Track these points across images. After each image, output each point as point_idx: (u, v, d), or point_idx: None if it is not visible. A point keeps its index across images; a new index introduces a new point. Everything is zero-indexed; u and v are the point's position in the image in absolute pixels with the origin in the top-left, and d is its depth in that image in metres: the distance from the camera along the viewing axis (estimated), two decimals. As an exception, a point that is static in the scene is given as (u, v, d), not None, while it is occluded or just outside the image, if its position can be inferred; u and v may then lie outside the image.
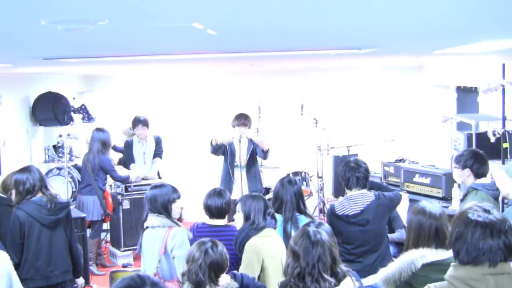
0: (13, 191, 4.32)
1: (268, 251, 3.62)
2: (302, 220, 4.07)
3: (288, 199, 4.10)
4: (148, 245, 3.84)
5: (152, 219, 3.81)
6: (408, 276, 2.91)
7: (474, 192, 4.10)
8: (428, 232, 3.07)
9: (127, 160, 7.25)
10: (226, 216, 4.18)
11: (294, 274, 2.62)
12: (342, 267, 2.71)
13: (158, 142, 7.36)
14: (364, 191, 4.24)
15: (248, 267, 3.57)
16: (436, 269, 2.92)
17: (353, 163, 4.27)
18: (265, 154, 6.22)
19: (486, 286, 2.23)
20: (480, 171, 4.23)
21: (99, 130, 6.71)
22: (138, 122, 7.16)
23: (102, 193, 6.61)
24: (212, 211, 4.07)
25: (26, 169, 4.32)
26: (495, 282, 2.23)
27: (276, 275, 3.61)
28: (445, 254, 2.97)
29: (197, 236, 3.88)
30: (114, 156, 7.61)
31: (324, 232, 2.77)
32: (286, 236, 3.97)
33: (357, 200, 4.19)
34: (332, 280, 2.60)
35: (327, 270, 2.62)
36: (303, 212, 4.17)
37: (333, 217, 4.19)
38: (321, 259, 2.61)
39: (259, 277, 3.59)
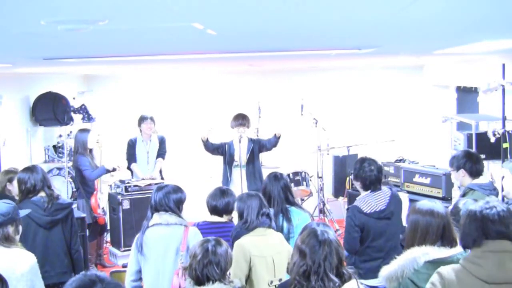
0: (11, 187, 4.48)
1: (257, 250, 3.63)
2: (294, 211, 4.20)
3: (276, 193, 4.21)
4: (157, 243, 3.78)
5: (166, 217, 3.77)
6: (410, 273, 2.94)
7: (471, 193, 4.11)
8: (436, 230, 3.08)
9: (129, 159, 7.24)
10: (226, 214, 4.19)
11: (300, 272, 2.63)
12: (348, 269, 2.73)
13: (162, 142, 7.34)
14: (382, 187, 4.35)
15: (237, 266, 3.60)
16: (438, 266, 2.94)
17: (372, 165, 4.28)
18: (277, 140, 6.32)
19: (486, 262, 2.48)
20: (473, 169, 4.24)
21: (79, 130, 6.74)
22: (146, 117, 7.11)
23: (90, 195, 6.62)
24: (209, 209, 4.16)
25: (29, 169, 4.38)
26: (498, 258, 2.48)
27: (266, 273, 3.63)
28: (448, 252, 2.99)
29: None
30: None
31: (332, 232, 2.79)
32: (278, 229, 4.05)
33: (379, 196, 4.27)
34: (336, 280, 2.62)
35: (332, 269, 2.63)
36: (293, 203, 4.28)
37: (363, 216, 4.21)
38: (327, 259, 2.63)
39: (248, 275, 3.61)
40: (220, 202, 4.12)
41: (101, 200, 6.74)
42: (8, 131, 6.72)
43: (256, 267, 3.61)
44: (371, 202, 4.24)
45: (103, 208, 6.77)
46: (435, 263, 2.94)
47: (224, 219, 4.16)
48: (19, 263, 3.25)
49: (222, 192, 4.18)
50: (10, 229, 3.37)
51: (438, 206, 3.18)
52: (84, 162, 6.52)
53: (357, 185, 4.38)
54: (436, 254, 2.98)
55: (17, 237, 3.45)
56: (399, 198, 4.48)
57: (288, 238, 4.04)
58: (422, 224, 3.11)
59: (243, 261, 3.60)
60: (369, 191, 4.27)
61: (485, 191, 4.05)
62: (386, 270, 3.01)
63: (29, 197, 4.26)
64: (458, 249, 3.03)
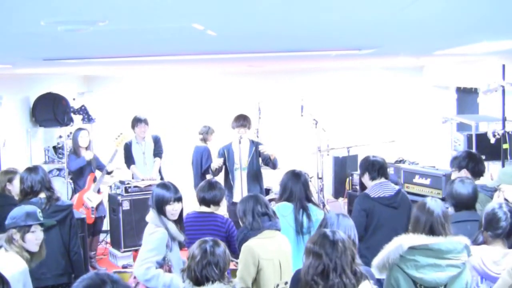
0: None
1: (265, 253, 3.64)
2: (312, 208, 4.34)
3: (297, 189, 4.33)
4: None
5: (147, 215, 3.95)
6: (396, 258, 3.04)
7: (473, 194, 4.09)
8: (423, 225, 3.16)
9: (127, 162, 7.25)
10: (214, 205, 4.37)
11: (318, 272, 2.64)
12: (360, 267, 2.75)
13: (156, 141, 7.35)
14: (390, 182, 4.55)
15: (244, 269, 3.62)
16: (424, 253, 3.02)
17: (373, 157, 4.56)
18: (272, 163, 6.22)
19: None
20: (476, 169, 4.25)
21: (75, 130, 6.90)
22: (140, 120, 7.15)
23: (77, 192, 6.71)
24: (198, 200, 4.37)
25: (30, 169, 4.40)
26: None
27: (273, 276, 3.64)
28: (434, 239, 3.05)
29: (186, 222, 4.16)
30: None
31: (341, 232, 2.82)
32: (298, 224, 4.22)
33: (387, 185, 4.48)
34: (352, 277, 2.65)
35: (348, 266, 2.66)
36: (310, 200, 4.42)
37: (368, 200, 4.40)
38: (342, 256, 2.65)
39: (255, 278, 3.61)
40: (207, 194, 4.32)
41: (92, 200, 6.71)
42: (8, 132, 6.72)
43: (264, 270, 3.62)
44: (378, 189, 4.44)
45: (93, 208, 6.72)
46: (421, 250, 3.03)
47: (211, 209, 4.35)
48: (5, 268, 3.22)
49: (210, 184, 4.38)
50: (14, 233, 3.39)
51: (434, 204, 3.24)
52: (72, 158, 6.74)
53: (366, 179, 4.53)
54: (421, 240, 3.06)
55: (26, 245, 3.41)
56: (408, 197, 4.63)
57: (309, 233, 4.21)
58: (414, 216, 3.25)
59: (252, 264, 3.60)
60: (377, 180, 4.46)
61: (487, 192, 4.04)
62: (376, 260, 3.11)
63: (28, 198, 4.26)
64: (447, 239, 3.08)
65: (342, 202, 7.98)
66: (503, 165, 5.16)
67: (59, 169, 7.49)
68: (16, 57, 4.42)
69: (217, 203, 4.36)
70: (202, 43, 3.46)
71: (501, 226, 3.29)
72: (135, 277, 3.83)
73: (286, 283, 3.60)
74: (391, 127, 8.76)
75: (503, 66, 5.14)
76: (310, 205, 4.37)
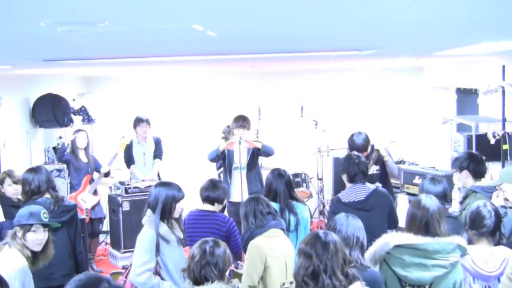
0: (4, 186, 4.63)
1: (272, 251, 3.68)
2: (296, 205, 4.45)
3: (281, 190, 4.43)
4: None
5: (144, 218, 3.84)
6: (382, 255, 3.11)
7: (473, 195, 4.10)
8: (419, 222, 3.19)
9: (128, 161, 7.25)
10: (218, 203, 4.43)
11: (308, 272, 2.63)
12: (352, 269, 2.75)
13: (157, 143, 7.36)
14: (366, 183, 4.53)
15: (251, 267, 3.64)
16: (412, 253, 3.06)
17: (356, 159, 4.53)
18: (264, 153, 6.25)
19: None
20: (477, 170, 4.25)
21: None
22: (142, 120, 7.17)
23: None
24: (202, 198, 4.43)
25: (34, 169, 4.38)
26: None
27: (279, 275, 3.68)
28: (422, 239, 3.08)
29: (188, 220, 4.25)
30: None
31: (334, 234, 2.81)
32: (285, 223, 4.20)
33: (360, 189, 4.45)
34: (343, 279, 2.64)
35: (339, 268, 2.65)
36: (295, 198, 4.53)
37: (340, 205, 4.37)
38: (333, 258, 2.65)
39: (262, 276, 3.62)
40: (212, 193, 4.37)
41: (86, 202, 6.71)
42: (8, 132, 6.71)
43: (270, 268, 3.65)
44: (350, 193, 4.43)
45: (87, 209, 6.71)
46: (407, 249, 3.07)
47: (214, 207, 4.40)
48: (4, 264, 3.23)
49: (214, 183, 4.44)
50: (18, 230, 3.40)
51: (429, 201, 3.26)
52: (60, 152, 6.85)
53: (345, 178, 4.57)
54: (408, 239, 3.09)
55: (28, 244, 3.40)
56: (386, 194, 4.57)
57: (296, 230, 4.30)
58: (410, 214, 3.28)
59: (259, 262, 3.63)
60: (353, 183, 4.47)
61: (487, 194, 4.04)
62: (367, 253, 3.17)
63: (33, 199, 4.24)
64: (435, 239, 3.08)
65: (342, 203, 7.97)
66: (503, 166, 5.16)
67: (59, 170, 7.48)
68: (16, 58, 4.42)
69: (221, 201, 4.42)
70: (202, 44, 3.46)
71: (485, 224, 3.35)
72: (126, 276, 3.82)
73: (291, 282, 3.61)
74: (391, 128, 8.75)
75: (503, 67, 5.14)
76: (294, 203, 4.46)
